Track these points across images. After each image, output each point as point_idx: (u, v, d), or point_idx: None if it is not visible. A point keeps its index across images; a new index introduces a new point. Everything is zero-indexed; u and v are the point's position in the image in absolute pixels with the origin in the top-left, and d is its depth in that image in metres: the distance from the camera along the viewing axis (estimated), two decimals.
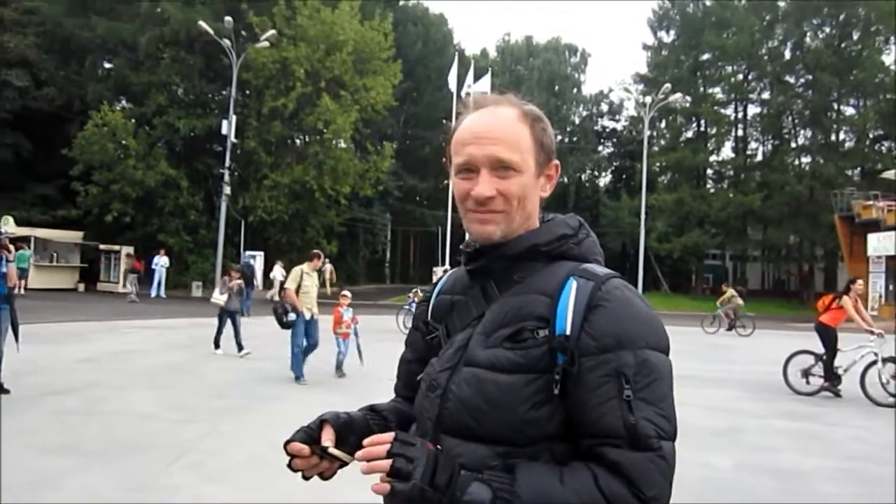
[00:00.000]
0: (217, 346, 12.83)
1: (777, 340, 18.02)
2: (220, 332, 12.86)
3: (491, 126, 1.38)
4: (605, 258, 1.45)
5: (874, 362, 10.06)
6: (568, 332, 1.26)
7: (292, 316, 10.20)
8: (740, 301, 23.09)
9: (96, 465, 5.60)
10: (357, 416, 1.50)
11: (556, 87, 62.42)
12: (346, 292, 11.49)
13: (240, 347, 12.45)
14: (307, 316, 10.40)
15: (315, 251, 11.25)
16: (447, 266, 23.31)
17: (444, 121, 52.55)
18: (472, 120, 1.42)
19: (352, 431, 1.42)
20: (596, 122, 65.89)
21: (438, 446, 1.29)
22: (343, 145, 35.75)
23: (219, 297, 12.90)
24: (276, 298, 12.93)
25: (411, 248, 61.21)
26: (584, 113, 65.82)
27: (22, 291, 8.36)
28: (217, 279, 31.63)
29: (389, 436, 1.23)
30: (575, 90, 64.77)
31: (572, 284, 1.30)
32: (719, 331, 22.38)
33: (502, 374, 1.29)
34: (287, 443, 1.40)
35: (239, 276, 13.54)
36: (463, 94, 45.73)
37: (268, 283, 29.27)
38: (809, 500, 5.51)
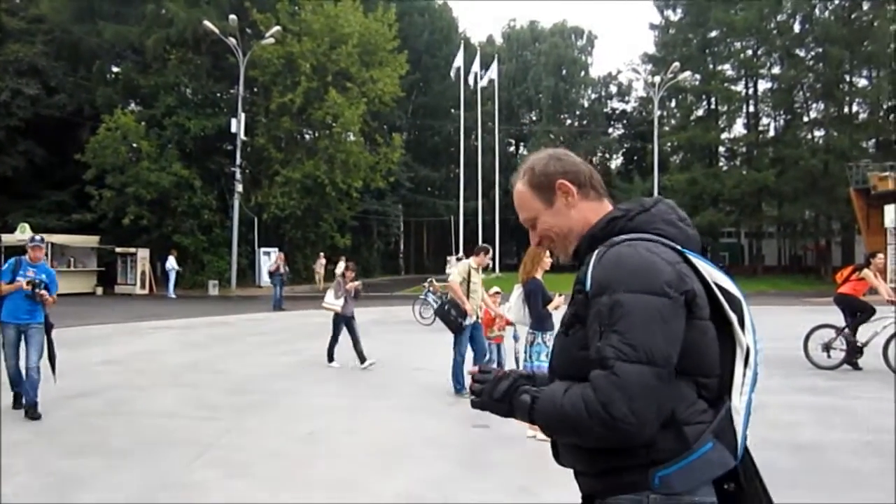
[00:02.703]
0: (331, 358, 11.00)
1: (796, 316, 17.91)
2: (335, 340, 11.06)
3: (515, 202, 1.93)
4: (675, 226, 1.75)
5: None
6: (588, 288, 1.65)
7: (470, 320, 8.71)
8: None
9: (122, 464, 5.67)
10: (541, 373, 1.92)
11: (564, 71, 62.04)
12: (497, 288, 9.74)
13: (362, 358, 10.63)
14: (472, 319, 8.81)
15: (483, 245, 9.81)
16: (461, 255, 23.31)
17: (453, 110, 52.48)
18: None
19: (531, 380, 1.83)
20: (605, 104, 65.50)
21: (507, 372, 1.79)
22: (352, 138, 35.80)
23: (333, 302, 10.89)
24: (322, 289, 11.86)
25: (424, 239, 61.23)
26: (593, 96, 65.42)
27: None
28: (260, 272, 31.70)
29: (476, 368, 1.88)
30: (583, 73, 64.35)
31: (595, 253, 1.69)
32: None
33: (563, 326, 1.76)
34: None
35: (355, 277, 11.46)
36: (471, 82, 45.73)
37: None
38: (832, 473, 5.49)
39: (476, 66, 45.19)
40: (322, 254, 34.31)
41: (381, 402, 8.17)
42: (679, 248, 1.68)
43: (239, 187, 32.74)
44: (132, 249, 31.16)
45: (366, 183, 36.75)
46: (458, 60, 44.45)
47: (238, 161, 33.02)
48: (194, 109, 34.54)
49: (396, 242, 56.80)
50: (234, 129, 32.40)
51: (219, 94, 36.87)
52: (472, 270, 8.94)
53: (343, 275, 11.32)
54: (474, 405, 1.81)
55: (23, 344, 7.43)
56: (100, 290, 30.47)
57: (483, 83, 45.54)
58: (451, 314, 8.70)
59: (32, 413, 7.17)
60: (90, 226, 31.97)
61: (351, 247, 40.61)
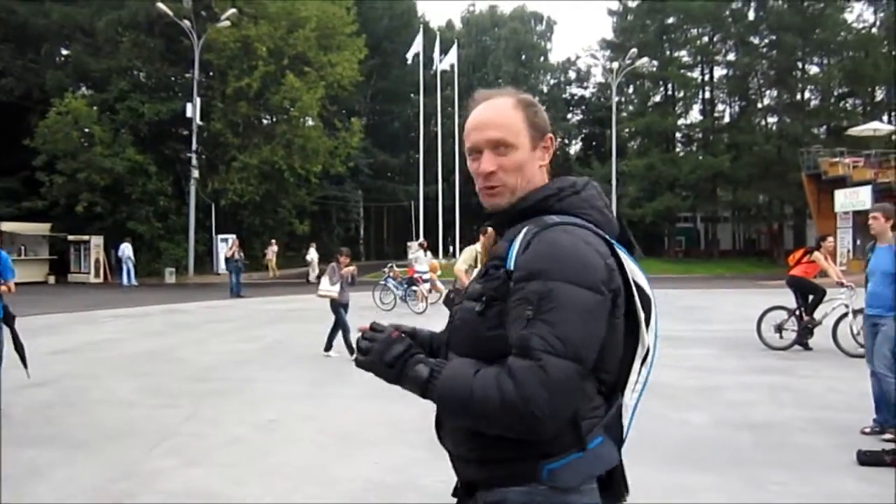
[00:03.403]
0: (329, 347, 10.57)
1: (750, 298, 18.30)
2: (336, 329, 10.54)
3: (489, 115, 1.70)
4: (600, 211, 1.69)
5: (845, 314, 10.25)
6: (510, 267, 1.56)
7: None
8: None
9: (79, 454, 5.57)
10: (423, 332, 1.85)
11: (523, 57, 62.22)
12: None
13: (350, 349, 9.97)
14: None
15: (487, 224, 9.30)
16: (422, 240, 23.28)
17: (412, 95, 52.23)
18: (474, 112, 1.74)
19: (413, 338, 1.74)
20: (564, 89, 65.82)
21: (402, 334, 1.68)
22: (311, 123, 35.45)
23: (329, 289, 10.56)
24: (315, 280, 11.45)
25: (385, 224, 61.07)
26: (552, 81, 65.72)
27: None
28: (218, 259, 31.19)
29: (367, 324, 1.72)
30: (542, 58, 64.60)
31: (522, 231, 1.59)
32: None
33: (472, 301, 1.63)
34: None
35: (350, 262, 11.09)
36: (431, 67, 45.54)
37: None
38: (785, 450, 5.64)
39: (436, 52, 45.02)
40: (273, 241, 33.81)
41: (342, 389, 8.14)
42: (607, 238, 1.63)
43: (195, 173, 32.21)
44: (85, 237, 30.50)
45: (325, 168, 36.40)
46: (417, 45, 44.21)
47: (194, 146, 32.47)
48: (148, 94, 33.83)
49: (356, 228, 56.56)
50: (189, 113, 31.82)
51: (173, 78, 36.15)
52: (479, 255, 8.40)
53: (337, 260, 10.94)
54: (359, 364, 1.68)
55: None
56: (52, 279, 29.80)
57: (444, 67, 45.37)
58: (456, 303, 8.42)
59: None
60: (41, 213, 31.18)
61: (310, 233, 40.28)
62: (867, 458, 5.24)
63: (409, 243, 35.33)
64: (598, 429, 1.58)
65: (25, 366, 6.65)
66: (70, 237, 30.71)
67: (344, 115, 42.70)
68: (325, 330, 10.73)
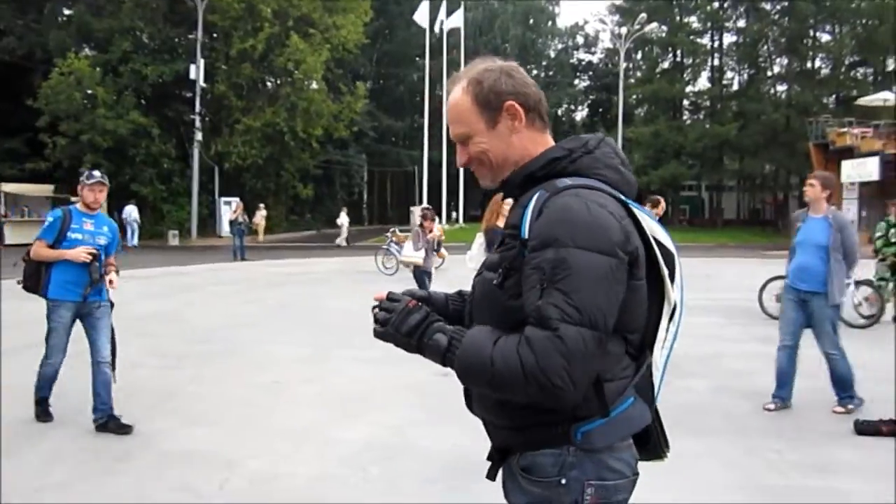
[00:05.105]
0: None
1: (753, 268, 18.28)
2: None
3: (448, 111, 1.73)
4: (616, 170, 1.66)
5: (848, 285, 10.22)
6: (525, 235, 1.55)
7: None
8: None
9: (80, 415, 5.61)
10: (438, 296, 1.86)
11: (531, 21, 61.47)
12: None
13: None
14: None
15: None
16: (426, 204, 23.24)
17: (418, 58, 51.72)
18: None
19: (428, 303, 1.75)
20: (571, 55, 65.16)
21: (419, 302, 1.66)
22: (315, 86, 35.16)
23: (413, 255, 10.21)
24: (344, 245, 10.65)
25: (388, 189, 60.89)
26: (560, 46, 65.02)
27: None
28: (221, 222, 31.08)
29: (384, 293, 1.70)
30: (550, 23, 63.82)
31: (534, 197, 1.57)
32: None
33: (490, 272, 1.63)
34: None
35: (432, 227, 10.37)
36: (437, 29, 44.98)
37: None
38: (783, 419, 5.66)
39: (442, 14, 44.45)
40: (262, 205, 33.09)
41: (344, 352, 8.17)
42: (623, 198, 1.60)
43: (199, 135, 32.08)
44: None
45: (328, 132, 36.20)
46: (424, 8, 43.65)
47: (197, 109, 32.28)
48: (151, 55, 33.55)
49: (360, 193, 56.41)
50: (192, 75, 31.58)
51: (177, 40, 35.83)
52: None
53: (421, 225, 10.29)
54: (377, 335, 1.67)
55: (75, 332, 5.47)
56: None
57: (450, 27, 44.76)
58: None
59: (118, 427, 5.14)
60: (44, 175, 31.11)
61: (313, 197, 40.22)
62: (864, 428, 5.26)
63: (412, 208, 35.26)
64: (629, 389, 1.61)
65: (114, 368, 5.39)
66: (73, 199, 30.62)
67: (349, 78, 42.36)
68: (328, 293, 10.74)
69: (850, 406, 5.71)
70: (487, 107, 1.66)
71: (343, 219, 31.25)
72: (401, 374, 6.77)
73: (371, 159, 53.92)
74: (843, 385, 5.75)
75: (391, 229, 19.92)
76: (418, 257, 9.94)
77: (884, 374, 7.12)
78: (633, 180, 1.68)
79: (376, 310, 1.67)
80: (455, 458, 4.68)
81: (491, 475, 1.78)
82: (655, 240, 1.62)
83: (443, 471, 4.51)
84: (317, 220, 44.42)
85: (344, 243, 30.21)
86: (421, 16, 44.01)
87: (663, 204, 8.60)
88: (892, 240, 10.45)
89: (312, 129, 34.34)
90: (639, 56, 52.98)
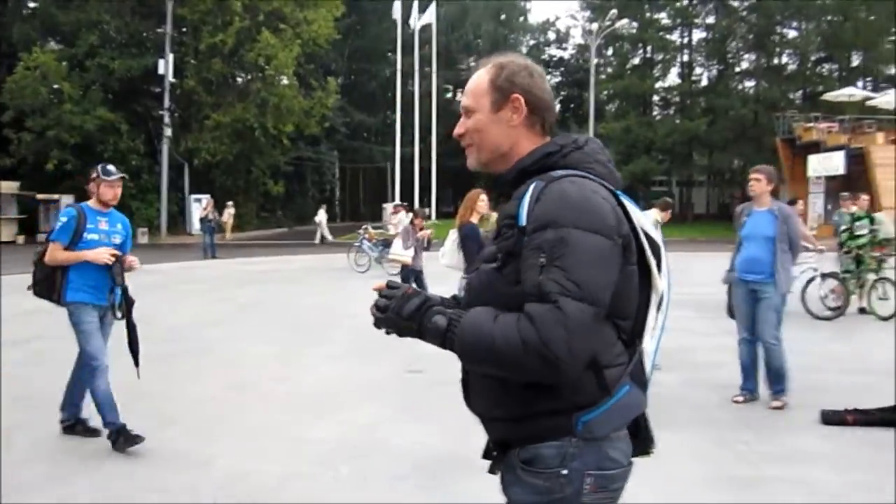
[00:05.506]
0: None
1: (723, 262, 18.39)
2: None
3: (469, 82, 1.82)
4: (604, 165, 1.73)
5: (814, 278, 10.41)
6: (523, 223, 1.59)
7: None
8: None
9: (46, 415, 5.51)
10: (434, 295, 1.82)
11: (503, 16, 61.45)
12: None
13: None
14: None
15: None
16: (398, 201, 23.17)
17: (390, 54, 51.50)
18: None
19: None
20: (543, 51, 65.21)
21: (416, 288, 1.71)
22: (286, 82, 34.87)
23: (402, 253, 9.82)
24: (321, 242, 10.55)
25: (360, 185, 60.57)
26: (532, 42, 65.05)
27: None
28: (191, 219, 30.71)
29: (383, 283, 1.74)
30: (521, 19, 63.87)
31: (531, 187, 1.63)
32: None
33: (488, 263, 1.67)
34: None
35: (422, 225, 10.29)
36: (409, 25, 44.80)
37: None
38: (752, 410, 5.74)
39: (414, 10, 44.27)
40: (231, 202, 32.25)
41: (314, 350, 8.13)
42: (612, 189, 1.68)
43: (168, 132, 31.71)
44: (55, 196, 29.93)
45: (299, 128, 35.91)
46: (397, 4, 43.42)
47: (166, 104, 31.90)
48: (119, 49, 33.02)
49: (332, 189, 56.04)
50: (161, 70, 31.18)
51: (145, 34, 35.27)
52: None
53: (412, 222, 10.26)
54: (378, 323, 1.69)
55: None
56: (21, 239, 29.27)
57: (422, 23, 44.61)
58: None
59: (127, 440, 4.71)
60: (10, 171, 30.53)
61: (284, 194, 39.93)
62: (830, 418, 5.35)
63: (384, 205, 35.15)
64: (624, 377, 1.64)
65: (137, 364, 5.07)
66: (39, 196, 30.14)
67: (320, 73, 42.06)
68: (300, 291, 10.69)
69: (785, 398, 5.77)
70: (499, 91, 1.75)
71: (321, 216, 31.07)
72: (370, 371, 6.76)
73: (343, 155, 53.57)
74: (777, 377, 5.81)
75: (364, 226, 19.85)
76: (407, 256, 9.83)
77: (848, 364, 7.27)
78: (618, 175, 1.76)
79: (379, 298, 1.70)
80: (425, 456, 4.68)
81: (493, 470, 1.78)
82: (643, 231, 1.69)
83: (413, 468, 4.50)
84: (288, 218, 44.10)
85: (322, 241, 30.03)
86: (395, 11, 43.80)
87: (668, 212, 8.78)
88: (857, 233, 10.65)
89: (283, 125, 34.04)
90: (609, 52, 53.27)
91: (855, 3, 43.37)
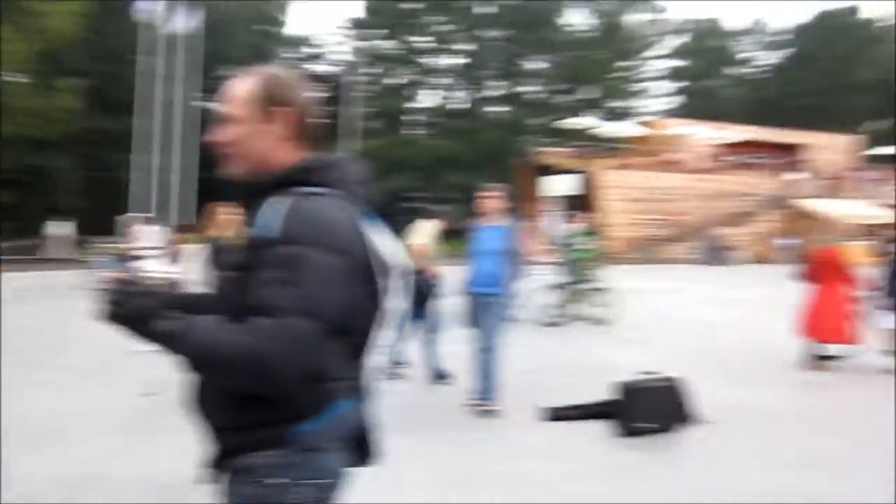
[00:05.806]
0: None
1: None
2: None
3: (229, 89, 1.78)
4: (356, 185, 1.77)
5: (540, 289, 11.40)
6: (266, 236, 1.60)
7: None
8: None
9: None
10: (174, 297, 1.80)
11: (259, 27, 60.14)
12: None
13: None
14: None
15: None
16: (138, 213, 21.63)
17: (140, 57, 48.25)
18: None
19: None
20: (303, 66, 64.90)
21: (153, 290, 1.68)
22: (18, 80, 31.29)
23: (165, 269, 8.92)
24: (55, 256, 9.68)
25: (99, 196, 55.77)
26: (290, 56, 64.41)
27: None
28: None
29: (121, 274, 1.71)
30: (279, 31, 62.98)
31: (279, 201, 1.64)
32: None
33: (231, 271, 1.70)
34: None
35: (175, 238, 10.16)
36: (158, 28, 42.23)
37: None
38: (483, 411, 6.10)
39: (165, 12, 41.92)
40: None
41: (28, 378, 7.25)
42: (358, 209, 1.72)
43: None
44: None
45: (30, 133, 32.43)
46: (142, 3, 40.83)
47: None
48: None
49: (69, 200, 51.08)
50: None
51: None
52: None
53: (166, 236, 10.21)
54: (107, 316, 1.64)
55: None
56: None
57: (171, 27, 42.34)
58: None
59: None
60: None
61: (13, 204, 35.99)
62: (554, 415, 5.87)
63: (120, 217, 32.75)
64: (346, 391, 1.67)
65: None
66: None
67: (60, 74, 38.38)
68: (17, 312, 9.61)
69: (490, 403, 6.01)
70: (272, 101, 1.74)
71: (55, 228, 28.41)
72: (94, 398, 6.26)
73: (83, 162, 49.08)
74: (487, 382, 6.03)
75: (96, 241, 18.32)
76: (173, 271, 9.36)
77: (568, 367, 8.04)
78: (371, 195, 1.81)
79: (108, 292, 1.65)
80: (148, 480, 4.45)
81: (212, 479, 1.74)
82: (379, 251, 1.73)
83: (138, 496, 4.25)
84: (18, 230, 39.49)
85: (56, 255, 27.39)
86: (143, 13, 41.11)
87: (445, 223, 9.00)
88: (577, 247, 11.84)
89: (13, 128, 30.38)
90: (369, 71, 54.56)
91: (593, 42, 49.19)
